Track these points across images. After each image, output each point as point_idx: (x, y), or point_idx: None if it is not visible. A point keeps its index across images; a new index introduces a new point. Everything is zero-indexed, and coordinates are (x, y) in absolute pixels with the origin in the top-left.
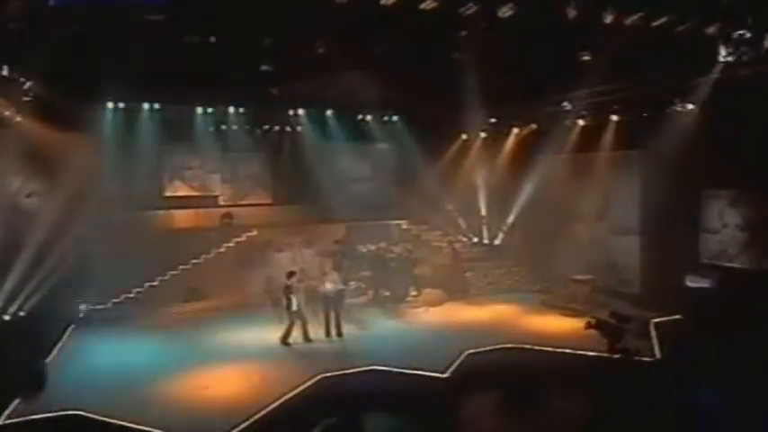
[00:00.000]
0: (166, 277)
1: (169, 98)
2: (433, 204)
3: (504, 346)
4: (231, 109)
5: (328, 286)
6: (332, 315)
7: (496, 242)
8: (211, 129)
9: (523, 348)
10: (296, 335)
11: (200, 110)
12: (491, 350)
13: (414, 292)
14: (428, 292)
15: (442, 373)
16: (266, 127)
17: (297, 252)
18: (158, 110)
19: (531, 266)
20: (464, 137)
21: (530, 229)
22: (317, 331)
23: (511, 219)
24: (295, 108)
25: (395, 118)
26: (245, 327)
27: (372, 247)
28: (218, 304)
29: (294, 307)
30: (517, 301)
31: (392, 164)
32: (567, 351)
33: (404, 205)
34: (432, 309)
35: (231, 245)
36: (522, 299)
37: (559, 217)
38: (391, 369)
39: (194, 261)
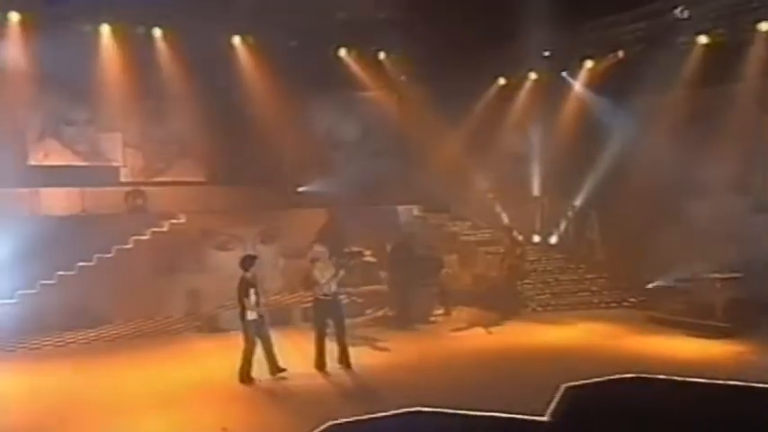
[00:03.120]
0: (36, 290)
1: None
2: (458, 182)
3: (622, 376)
4: (141, 29)
5: (325, 288)
6: (327, 333)
7: (552, 240)
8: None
9: (649, 379)
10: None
11: (87, 27)
12: (601, 383)
13: (439, 311)
14: (462, 311)
15: (540, 415)
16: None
17: (249, 249)
18: (19, 21)
19: (617, 268)
20: (502, 81)
21: (613, 214)
22: (297, 360)
23: (579, 201)
24: (242, 33)
25: (394, 54)
26: (178, 361)
27: (368, 254)
28: (124, 330)
29: (252, 315)
30: (607, 318)
31: (392, 122)
32: (731, 383)
33: (413, 183)
34: (487, 329)
35: (144, 238)
36: (612, 315)
37: (665, 192)
38: (452, 411)
39: (82, 264)
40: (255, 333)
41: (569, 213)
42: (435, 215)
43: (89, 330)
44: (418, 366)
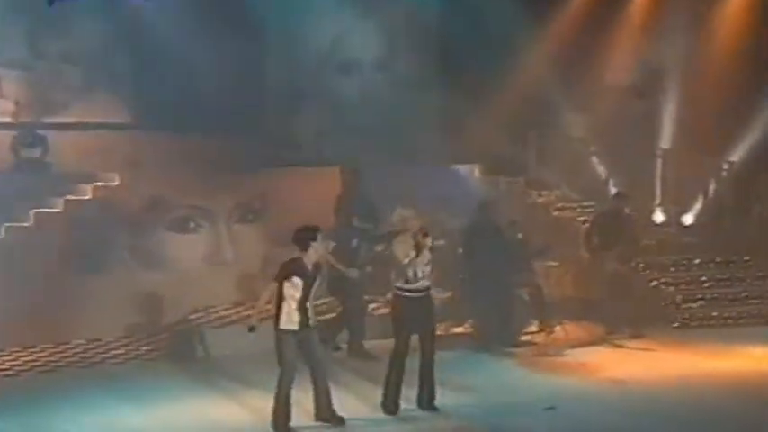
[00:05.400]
0: None
1: None
2: (538, 129)
3: None
4: None
5: (419, 278)
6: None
7: (687, 218)
8: None
9: None
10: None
11: None
12: None
13: (533, 327)
14: (568, 327)
15: None
16: None
17: (222, 231)
18: None
19: None
20: None
21: None
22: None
23: (739, 156)
24: None
25: None
26: (145, 404)
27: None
28: (27, 360)
29: (291, 323)
30: None
31: (434, 33)
32: None
33: (468, 130)
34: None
35: (52, 211)
36: None
37: None
38: None
39: None
40: (294, 352)
41: (723, 175)
42: (506, 179)
43: None
44: (528, 406)
